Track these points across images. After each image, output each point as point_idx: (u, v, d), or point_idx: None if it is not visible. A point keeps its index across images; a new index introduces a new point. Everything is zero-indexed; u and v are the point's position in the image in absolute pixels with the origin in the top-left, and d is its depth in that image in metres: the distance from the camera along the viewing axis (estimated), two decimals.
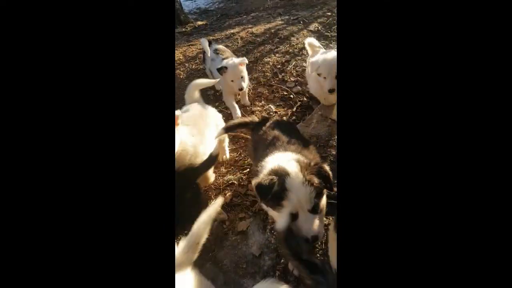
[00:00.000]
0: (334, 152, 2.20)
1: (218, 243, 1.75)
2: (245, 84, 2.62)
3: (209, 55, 2.91)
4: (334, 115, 2.45)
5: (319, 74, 2.23)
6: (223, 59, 2.70)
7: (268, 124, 1.76)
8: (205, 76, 3.25)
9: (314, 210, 1.25)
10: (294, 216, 1.25)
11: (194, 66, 3.42)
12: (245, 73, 2.62)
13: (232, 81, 2.56)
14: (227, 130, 1.92)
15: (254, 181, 1.29)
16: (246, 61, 2.59)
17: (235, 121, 2.02)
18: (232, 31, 4.05)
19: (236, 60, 2.59)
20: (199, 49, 3.76)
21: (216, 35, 4.06)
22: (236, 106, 2.64)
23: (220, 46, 3.01)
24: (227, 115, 2.65)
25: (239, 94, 2.79)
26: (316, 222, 1.25)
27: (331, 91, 2.18)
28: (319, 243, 1.64)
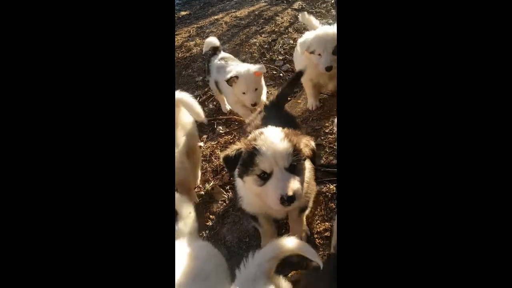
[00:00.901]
0: (326, 124, 2.21)
1: (220, 220, 1.77)
2: (261, 97, 2.12)
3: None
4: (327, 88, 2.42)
5: (312, 52, 1.97)
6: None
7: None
8: (190, 66, 3.23)
9: (292, 168, 1.14)
10: (268, 176, 1.14)
11: (180, 54, 3.39)
12: (261, 84, 2.12)
13: (243, 93, 2.05)
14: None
15: (222, 155, 1.22)
16: (264, 70, 2.11)
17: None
18: (216, 17, 3.99)
19: (251, 67, 2.10)
20: (184, 38, 3.71)
21: (200, 23, 4.00)
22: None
23: (228, 55, 2.53)
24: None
25: (252, 110, 2.10)
26: (294, 181, 1.13)
27: (328, 68, 1.93)
28: (325, 209, 1.66)
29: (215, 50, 2.51)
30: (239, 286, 0.92)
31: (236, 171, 1.23)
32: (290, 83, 1.84)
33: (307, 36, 2.05)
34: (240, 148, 1.18)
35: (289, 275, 1.36)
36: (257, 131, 1.25)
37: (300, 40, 2.08)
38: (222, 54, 2.47)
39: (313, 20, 2.39)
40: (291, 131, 1.24)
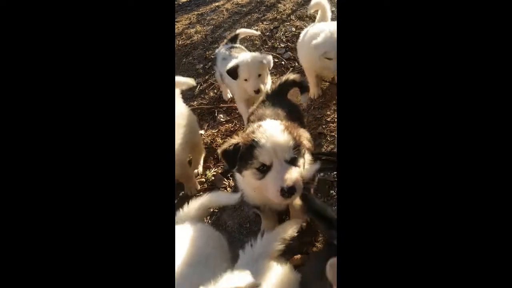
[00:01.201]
0: (328, 113, 2.20)
1: (221, 206, 1.78)
2: (265, 85, 1.98)
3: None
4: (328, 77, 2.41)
5: (328, 58, 1.88)
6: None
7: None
8: (190, 53, 3.19)
9: (292, 161, 1.12)
10: (267, 168, 1.11)
11: (180, 42, 3.35)
12: (265, 72, 1.98)
13: (245, 80, 1.93)
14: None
15: (219, 150, 1.20)
16: (271, 60, 1.97)
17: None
18: (217, 4, 3.92)
19: (257, 55, 1.98)
20: (185, 25, 3.66)
21: (200, 9, 3.94)
22: (248, 111, 1.90)
23: (239, 45, 2.37)
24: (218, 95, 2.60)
25: (253, 102, 1.87)
26: (294, 173, 1.10)
27: None
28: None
29: (233, 39, 2.40)
30: (242, 265, 0.93)
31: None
32: (297, 85, 1.74)
33: (321, 36, 1.90)
34: (238, 142, 1.16)
35: (291, 259, 1.38)
36: (255, 124, 1.23)
37: (315, 42, 1.93)
38: (236, 44, 2.36)
39: (328, 10, 2.26)
40: (291, 124, 1.23)
